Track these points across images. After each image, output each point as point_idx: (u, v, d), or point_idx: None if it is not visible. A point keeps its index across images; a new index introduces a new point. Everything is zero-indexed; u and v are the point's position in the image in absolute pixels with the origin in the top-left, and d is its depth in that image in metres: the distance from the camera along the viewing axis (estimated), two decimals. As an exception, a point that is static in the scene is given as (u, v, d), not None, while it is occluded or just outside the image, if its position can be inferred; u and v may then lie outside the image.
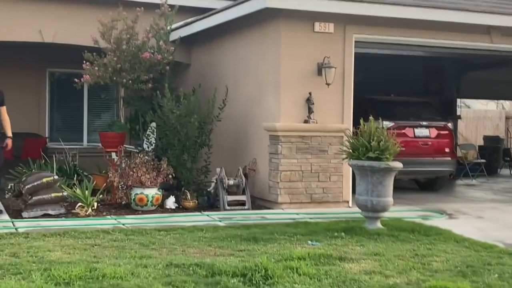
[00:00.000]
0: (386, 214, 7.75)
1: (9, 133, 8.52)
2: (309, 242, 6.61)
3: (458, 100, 17.84)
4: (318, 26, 9.32)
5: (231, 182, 9.28)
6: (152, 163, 9.08)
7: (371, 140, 7.36)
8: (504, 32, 10.23)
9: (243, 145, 10.19)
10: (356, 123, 7.79)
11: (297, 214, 8.59)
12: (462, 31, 10.02)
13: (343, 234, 6.97)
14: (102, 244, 6.29)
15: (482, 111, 24.39)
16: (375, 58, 13.19)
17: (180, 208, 9.07)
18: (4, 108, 8.54)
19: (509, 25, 9.96)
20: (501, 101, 25.25)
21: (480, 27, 10.00)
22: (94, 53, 9.92)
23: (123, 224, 7.58)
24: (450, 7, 9.57)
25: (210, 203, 9.31)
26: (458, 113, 17.41)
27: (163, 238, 6.66)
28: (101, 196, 8.81)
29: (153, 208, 8.84)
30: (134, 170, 8.78)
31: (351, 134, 8.14)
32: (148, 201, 8.75)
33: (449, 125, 11.71)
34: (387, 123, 10.79)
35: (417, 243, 6.61)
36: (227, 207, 8.94)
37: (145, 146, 10.33)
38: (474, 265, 5.66)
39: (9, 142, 8.50)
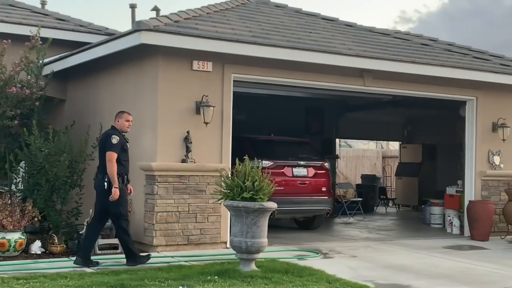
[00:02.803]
0: (263, 255, 7.66)
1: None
2: (180, 287, 6.34)
3: (340, 139, 18.47)
4: (196, 65, 9.23)
5: (104, 224, 8.81)
6: (16, 204, 8.44)
7: (246, 180, 7.28)
8: (375, 75, 10.67)
9: (119, 185, 9.76)
10: (236, 163, 7.71)
11: (172, 257, 8.29)
12: (337, 73, 10.33)
13: (216, 277, 6.77)
14: None
15: (361, 150, 25.40)
16: (258, 98, 13.37)
17: (47, 253, 8.47)
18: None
19: (379, 68, 10.39)
20: (380, 141, 26.46)
21: (353, 70, 10.37)
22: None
23: (-22, 273, 6.91)
24: (324, 50, 9.84)
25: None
26: (337, 153, 17.97)
27: (21, 288, 6.12)
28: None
29: (17, 253, 8.18)
30: (-5, 213, 8.10)
31: (229, 174, 8.03)
32: (10, 246, 8.09)
33: (326, 164, 11.97)
34: (266, 163, 10.85)
35: (290, 284, 6.54)
36: (98, 252, 8.46)
37: (13, 186, 9.66)
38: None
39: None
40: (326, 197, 11.71)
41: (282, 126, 13.96)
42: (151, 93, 9.17)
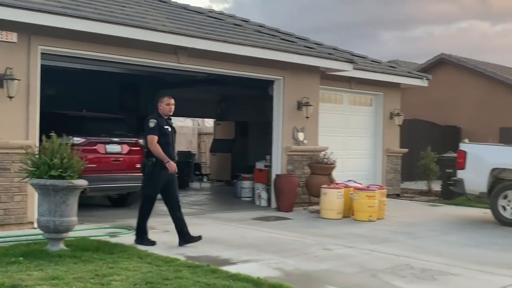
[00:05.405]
0: (73, 234, 7.47)
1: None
2: (-19, 271, 5.97)
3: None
4: (-1, 35, 8.63)
5: None
6: None
7: (54, 158, 7.03)
8: (189, 53, 10.82)
9: None
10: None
11: (-28, 240, 7.75)
12: (151, 49, 10.29)
13: (21, 258, 6.48)
14: None
15: (178, 127, 25.53)
16: (71, 72, 12.84)
17: None
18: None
19: (193, 46, 10.55)
20: (196, 118, 26.84)
21: (167, 46, 10.41)
22: None
23: None
24: (137, 25, 9.72)
25: None
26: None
27: None
28: None
29: None
30: None
31: (36, 151, 7.67)
32: None
33: (141, 141, 11.90)
34: (78, 139, 10.51)
35: (100, 262, 6.48)
36: None
37: None
38: (153, 281, 5.76)
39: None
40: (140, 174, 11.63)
41: (96, 102, 13.58)
42: None
